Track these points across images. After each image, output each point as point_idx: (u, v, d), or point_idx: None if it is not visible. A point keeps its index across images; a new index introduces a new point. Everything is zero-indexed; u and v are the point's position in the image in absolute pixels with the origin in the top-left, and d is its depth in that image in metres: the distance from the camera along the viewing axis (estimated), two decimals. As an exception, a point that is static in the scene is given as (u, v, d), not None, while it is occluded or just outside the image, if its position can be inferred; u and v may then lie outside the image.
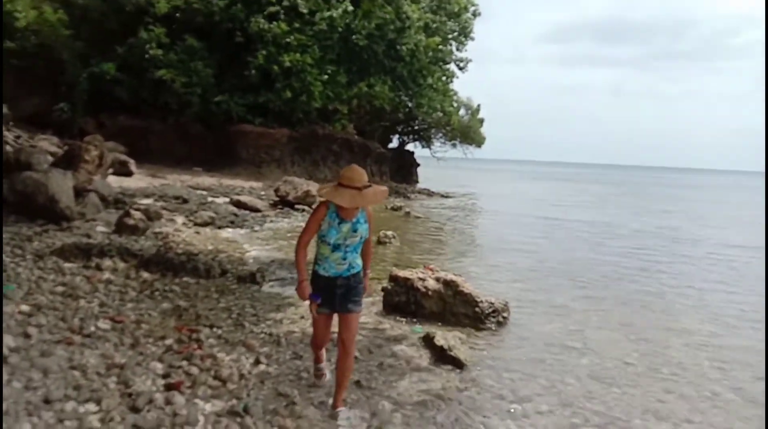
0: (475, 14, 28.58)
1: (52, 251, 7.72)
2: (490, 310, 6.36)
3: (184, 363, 4.50)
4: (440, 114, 30.33)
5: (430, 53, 26.32)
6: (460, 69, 31.95)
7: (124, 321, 5.40)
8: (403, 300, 6.47)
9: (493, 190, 37.47)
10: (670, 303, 8.30)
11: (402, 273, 6.63)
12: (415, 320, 6.29)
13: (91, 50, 22.81)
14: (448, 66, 30.65)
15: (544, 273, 9.90)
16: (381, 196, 3.76)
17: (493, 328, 6.21)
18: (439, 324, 6.17)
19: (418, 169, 38.75)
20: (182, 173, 20.27)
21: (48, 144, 17.20)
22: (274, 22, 21.50)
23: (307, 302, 3.79)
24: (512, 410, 4.30)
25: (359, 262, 3.86)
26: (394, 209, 18.48)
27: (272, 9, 21.37)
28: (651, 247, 13.72)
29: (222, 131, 23.06)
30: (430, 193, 28.95)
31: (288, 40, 21.43)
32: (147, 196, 14.14)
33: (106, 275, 7.06)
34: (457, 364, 4.99)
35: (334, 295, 3.76)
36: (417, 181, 37.24)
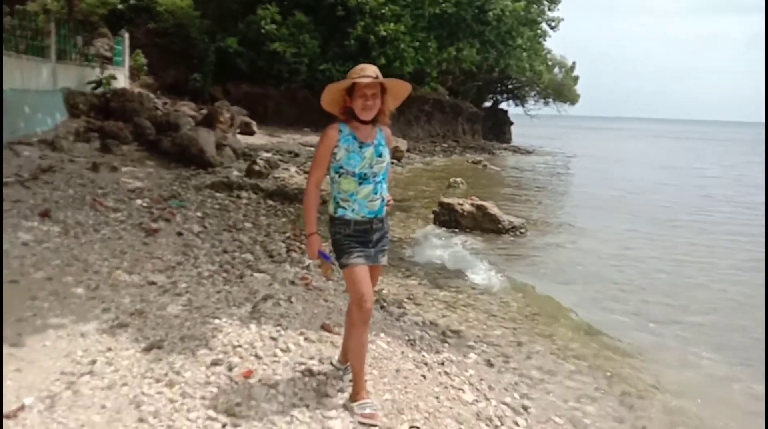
0: (565, -25, 29.34)
1: (206, 186, 10.94)
2: (510, 226, 8.76)
3: (297, 243, 7.36)
4: (530, 73, 31.52)
5: (522, 13, 27.59)
6: (552, 29, 32.68)
7: (259, 224, 8.39)
8: (447, 218, 9.01)
9: (582, 147, 38.17)
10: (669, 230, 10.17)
11: (447, 200, 9.17)
12: (455, 231, 8.84)
13: (216, 28, 26.41)
14: (539, 26, 31.55)
15: (574, 206, 12.02)
16: (402, 86, 3.04)
17: (510, 237, 8.62)
18: (471, 234, 8.67)
19: (512, 128, 40.15)
20: (294, 133, 23.65)
21: (188, 109, 20.98)
22: (371, -4, 23.99)
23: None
24: (498, 265, 6.82)
25: (388, 196, 3.14)
26: (473, 163, 20.79)
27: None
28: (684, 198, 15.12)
29: (322, 93, 26.06)
30: (516, 150, 30.69)
31: (383, 11, 23.80)
32: (267, 151, 17.39)
33: (244, 201, 10.15)
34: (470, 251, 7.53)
35: (369, 241, 3.03)
36: (510, 139, 38.72)
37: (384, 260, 3.14)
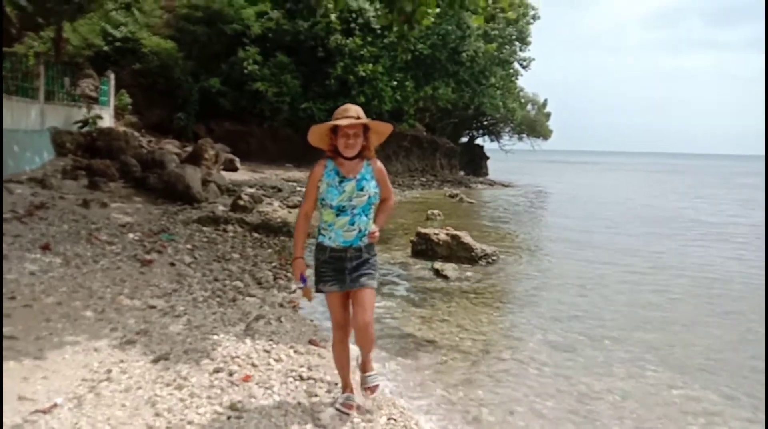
0: (535, 18, 30.95)
1: (194, 220, 11.40)
2: (483, 254, 9.35)
3: (283, 271, 7.86)
4: (504, 110, 32.78)
5: (495, 54, 28.97)
6: (524, 68, 34.19)
7: (247, 255, 8.87)
8: (424, 247, 9.59)
9: (555, 181, 39.31)
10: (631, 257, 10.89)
11: (423, 230, 9.77)
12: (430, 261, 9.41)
13: (200, 68, 27.22)
14: (511, 66, 32.98)
15: (544, 237, 12.70)
16: (383, 126, 3.35)
17: (483, 265, 9.21)
18: (446, 262, 9.23)
19: (488, 162, 41.22)
20: (276, 169, 24.31)
21: (172, 146, 21.51)
22: (350, 38, 25.07)
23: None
24: (469, 293, 7.37)
25: (372, 228, 3.32)
26: (451, 196, 21.57)
27: (348, 26, 25.05)
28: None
29: (308, 133, 26.87)
30: (491, 184, 31.65)
31: (362, 52, 24.93)
32: (250, 186, 17.95)
33: (231, 234, 10.62)
34: (445, 277, 8.10)
35: (343, 269, 3.26)
36: (486, 174, 39.74)
37: (368, 282, 3.28)
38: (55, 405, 3.24)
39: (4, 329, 4.25)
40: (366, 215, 3.29)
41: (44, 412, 3.14)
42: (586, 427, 4.06)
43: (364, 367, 3.50)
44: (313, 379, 3.92)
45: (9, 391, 3.34)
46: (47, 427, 3.01)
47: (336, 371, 3.70)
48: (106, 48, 25.33)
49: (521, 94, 37.18)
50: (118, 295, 5.56)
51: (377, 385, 3.51)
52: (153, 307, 5.40)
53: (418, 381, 4.50)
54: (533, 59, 33.99)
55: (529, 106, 39.58)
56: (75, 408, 3.25)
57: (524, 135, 40.67)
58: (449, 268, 8.37)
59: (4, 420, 3.03)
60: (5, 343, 4.02)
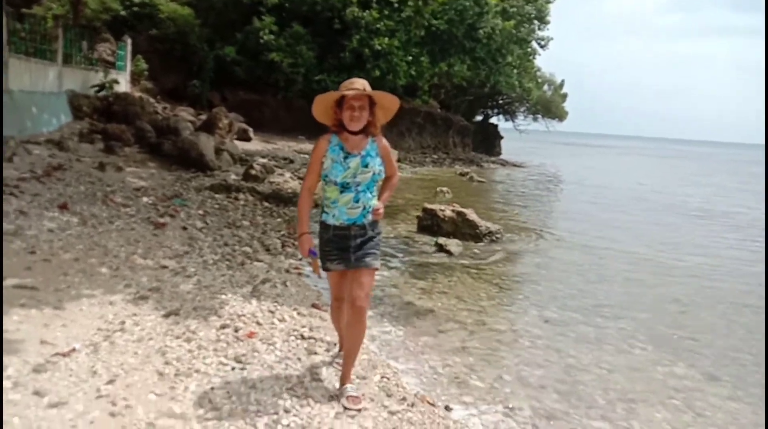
0: (554, -4, 30.59)
1: (206, 187, 11.65)
2: (487, 231, 9.53)
3: (291, 240, 8.09)
4: (519, 90, 32.55)
5: (513, 32, 28.68)
6: (542, 47, 33.84)
7: (257, 223, 9.11)
8: (429, 223, 9.77)
9: (569, 163, 39.25)
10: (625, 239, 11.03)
11: (430, 206, 9.94)
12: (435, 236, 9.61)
13: (216, 36, 27.22)
14: (529, 44, 32.63)
15: (548, 217, 12.84)
16: (390, 99, 3.25)
17: (487, 242, 9.39)
18: (451, 238, 9.43)
19: (502, 142, 41.10)
20: (289, 140, 24.45)
21: (186, 114, 21.69)
22: (367, 11, 24.93)
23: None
24: (471, 268, 7.57)
25: (376, 205, 3.27)
26: (461, 175, 21.68)
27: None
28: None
29: (312, 104, 26.91)
30: (504, 163, 31.66)
31: (378, 26, 24.81)
32: (263, 157, 18.12)
33: (242, 202, 10.86)
34: (448, 252, 8.29)
35: (347, 247, 3.21)
36: (500, 153, 39.66)
37: (372, 263, 3.22)
38: (74, 349, 3.50)
39: (26, 280, 4.52)
40: (370, 192, 3.25)
41: (64, 355, 3.41)
42: (571, 396, 4.27)
43: (344, 377, 3.35)
44: (314, 338, 4.15)
45: (32, 336, 3.61)
46: (66, 368, 3.27)
47: (335, 332, 3.92)
48: (123, 13, 25.36)
49: (538, 73, 36.83)
50: (131, 255, 5.81)
51: (358, 397, 3.26)
52: (165, 267, 5.65)
53: (413, 346, 4.75)
54: (551, 38, 33.62)
55: (545, 87, 39.25)
56: (91, 353, 3.51)
57: (539, 115, 40.45)
58: (453, 244, 8.57)
59: (29, 359, 3.29)
60: (28, 292, 4.29)
